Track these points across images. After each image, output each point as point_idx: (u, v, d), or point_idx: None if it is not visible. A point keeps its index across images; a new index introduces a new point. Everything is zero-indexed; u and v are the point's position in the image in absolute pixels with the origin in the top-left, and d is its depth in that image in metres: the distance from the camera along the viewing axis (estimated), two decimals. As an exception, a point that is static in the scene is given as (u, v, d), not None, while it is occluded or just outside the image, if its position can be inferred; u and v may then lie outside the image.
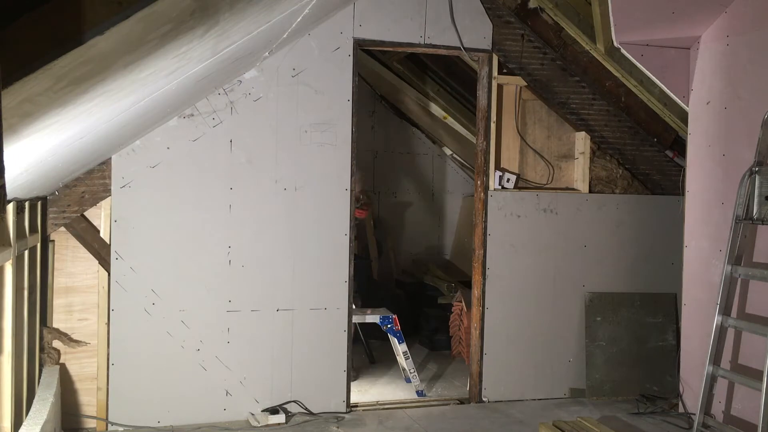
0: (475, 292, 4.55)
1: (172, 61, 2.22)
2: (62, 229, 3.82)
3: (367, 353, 5.41)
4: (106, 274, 3.88)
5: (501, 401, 4.53)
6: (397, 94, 6.34)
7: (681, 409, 4.30)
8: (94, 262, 3.90)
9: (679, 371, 4.40)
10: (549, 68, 4.54)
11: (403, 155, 7.15)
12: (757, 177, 3.70)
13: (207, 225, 4.00)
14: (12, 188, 2.47)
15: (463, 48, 4.36)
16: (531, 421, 4.16)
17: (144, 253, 3.91)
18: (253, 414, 4.05)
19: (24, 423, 2.87)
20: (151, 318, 3.92)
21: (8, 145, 1.66)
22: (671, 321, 4.75)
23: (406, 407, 4.39)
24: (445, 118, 6.11)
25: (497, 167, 4.57)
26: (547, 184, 4.72)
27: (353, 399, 4.35)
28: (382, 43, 4.29)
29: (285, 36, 3.75)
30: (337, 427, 3.99)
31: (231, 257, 4.04)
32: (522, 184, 4.67)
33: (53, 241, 3.84)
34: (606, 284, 4.71)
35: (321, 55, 4.14)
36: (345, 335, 4.24)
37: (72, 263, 3.90)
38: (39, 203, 3.52)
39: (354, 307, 4.54)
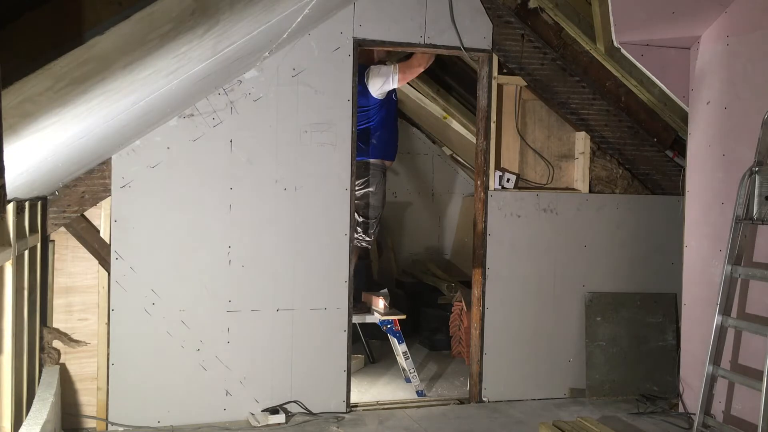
0: (475, 292, 4.55)
1: (172, 61, 2.22)
2: (62, 229, 3.82)
3: (367, 353, 5.41)
4: (106, 274, 3.88)
5: (501, 401, 4.53)
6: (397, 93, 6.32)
7: (681, 409, 4.30)
8: (94, 262, 3.90)
9: (679, 371, 4.40)
10: (549, 68, 4.54)
11: (403, 155, 7.15)
12: (757, 177, 3.70)
13: (207, 225, 4.00)
14: (12, 188, 2.47)
15: (463, 48, 4.36)
16: (531, 421, 4.16)
17: (144, 253, 3.91)
18: (253, 414, 4.05)
19: (24, 423, 2.87)
20: (151, 318, 3.92)
21: (8, 145, 1.66)
22: (671, 321, 4.75)
23: (406, 407, 4.39)
24: (445, 118, 6.11)
25: (497, 167, 4.57)
26: (547, 184, 4.72)
27: (353, 399, 4.35)
28: (382, 43, 4.28)
29: (285, 36, 3.76)
30: (337, 427, 3.99)
31: (231, 257, 4.04)
32: (522, 184, 4.67)
33: (53, 241, 3.84)
34: (606, 284, 4.71)
35: (321, 55, 4.14)
36: (345, 335, 4.24)
37: (72, 263, 3.90)
38: (39, 203, 3.52)
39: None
